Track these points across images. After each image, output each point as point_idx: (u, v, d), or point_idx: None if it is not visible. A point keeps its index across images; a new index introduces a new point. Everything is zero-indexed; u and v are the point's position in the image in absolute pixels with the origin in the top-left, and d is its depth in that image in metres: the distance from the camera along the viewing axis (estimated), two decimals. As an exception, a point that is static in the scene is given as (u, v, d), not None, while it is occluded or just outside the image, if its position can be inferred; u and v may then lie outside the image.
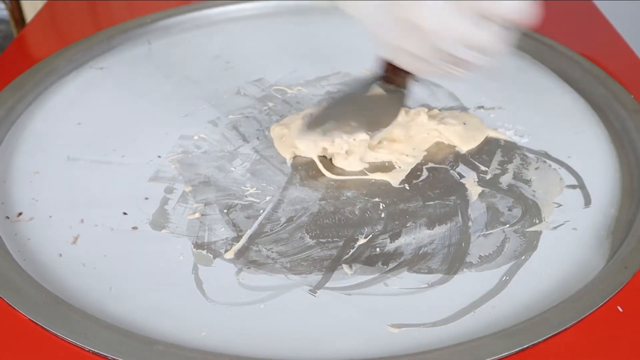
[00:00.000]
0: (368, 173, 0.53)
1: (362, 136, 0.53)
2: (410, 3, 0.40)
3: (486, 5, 0.40)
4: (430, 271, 0.45)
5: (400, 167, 0.54)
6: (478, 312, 0.41)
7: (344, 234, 0.48)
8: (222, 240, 0.47)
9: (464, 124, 0.58)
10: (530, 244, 0.47)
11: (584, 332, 0.39)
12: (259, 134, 0.58)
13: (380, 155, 0.54)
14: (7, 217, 0.48)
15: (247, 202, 0.50)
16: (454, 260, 0.45)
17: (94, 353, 0.37)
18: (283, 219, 0.49)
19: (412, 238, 0.47)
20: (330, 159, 0.54)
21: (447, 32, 0.40)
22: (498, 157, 0.55)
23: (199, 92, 0.63)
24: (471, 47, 0.41)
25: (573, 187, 0.52)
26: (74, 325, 0.39)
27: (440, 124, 0.56)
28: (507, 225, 0.48)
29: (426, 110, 0.58)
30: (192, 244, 0.46)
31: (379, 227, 0.48)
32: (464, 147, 0.56)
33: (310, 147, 0.53)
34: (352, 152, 0.53)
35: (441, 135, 0.56)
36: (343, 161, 0.53)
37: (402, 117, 0.56)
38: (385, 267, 0.45)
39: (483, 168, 0.54)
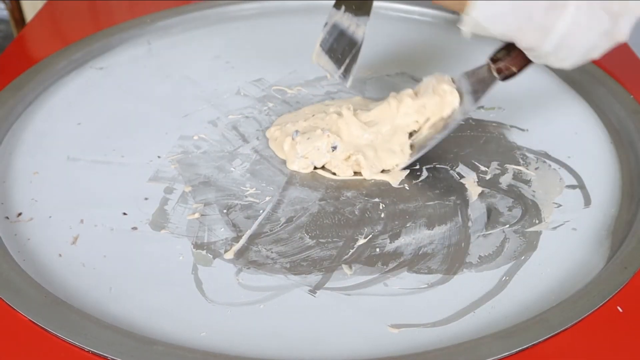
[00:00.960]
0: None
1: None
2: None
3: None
4: (430, 271, 0.45)
5: (397, 165, 0.53)
6: (478, 312, 0.41)
7: (343, 234, 0.48)
8: (222, 240, 0.47)
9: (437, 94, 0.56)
10: (530, 244, 0.47)
11: (584, 332, 0.39)
12: (258, 134, 0.58)
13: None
14: (7, 217, 0.48)
15: (246, 202, 0.50)
16: (454, 260, 0.45)
17: (93, 353, 0.37)
18: (283, 219, 0.49)
19: (412, 238, 0.47)
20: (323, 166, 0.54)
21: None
22: (498, 157, 0.55)
23: (199, 92, 0.63)
24: None
25: (573, 187, 0.52)
26: (74, 325, 0.39)
27: (420, 107, 0.54)
28: (507, 226, 0.48)
29: (409, 92, 0.56)
30: (192, 244, 0.46)
31: (379, 227, 0.48)
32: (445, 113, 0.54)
33: (305, 164, 0.53)
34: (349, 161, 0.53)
35: (425, 112, 0.55)
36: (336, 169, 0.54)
37: (388, 110, 0.55)
38: (385, 267, 0.45)
39: (483, 168, 0.54)
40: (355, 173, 0.53)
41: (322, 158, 0.53)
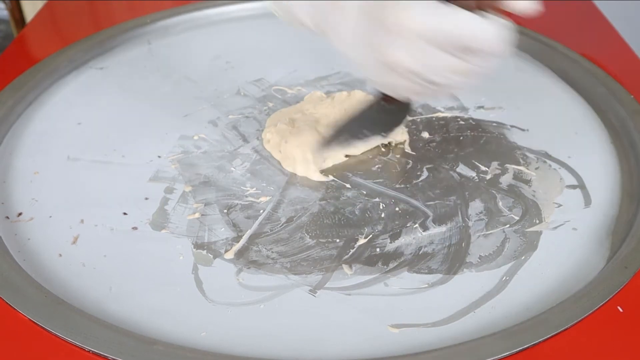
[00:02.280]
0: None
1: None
2: (387, 44, 0.39)
3: (465, 38, 0.38)
4: (430, 271, 0.45)
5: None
6: (478, 312, 0.41)
7: (344, 234, 0.48)
8: (222, 240, 0.47)
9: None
10: (530, 244, 0.47)
11: (584, 332, 0.39)
12: (258, 134, 0.58)
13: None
14: (7, 217, 0.48)
15: (247, 202, 0.50)
16: (454, 260, 0.45)
17: (93, 353, 0.37)
18: (283, 219, 0.49)
19: (412, 238, 0.47)
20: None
21: (427, 69, 0.39)
22: (498, 157, 0.55)
23: (199, 92, 0.63)
24: (454, 74, 0.39)
25: (573, 187, 0.52)
26: (74, 325, 0.39)
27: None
28: (507, 225, 0.48)
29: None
30: (192, 244, 0.46)
31: (379, 227, 0.48)
32: None
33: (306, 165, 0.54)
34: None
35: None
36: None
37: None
38: (385, 267, 0.45)
39: (483, 168, 0.54)
40: (347, 155, 0.54)
41: (312, 173, 0.53)
